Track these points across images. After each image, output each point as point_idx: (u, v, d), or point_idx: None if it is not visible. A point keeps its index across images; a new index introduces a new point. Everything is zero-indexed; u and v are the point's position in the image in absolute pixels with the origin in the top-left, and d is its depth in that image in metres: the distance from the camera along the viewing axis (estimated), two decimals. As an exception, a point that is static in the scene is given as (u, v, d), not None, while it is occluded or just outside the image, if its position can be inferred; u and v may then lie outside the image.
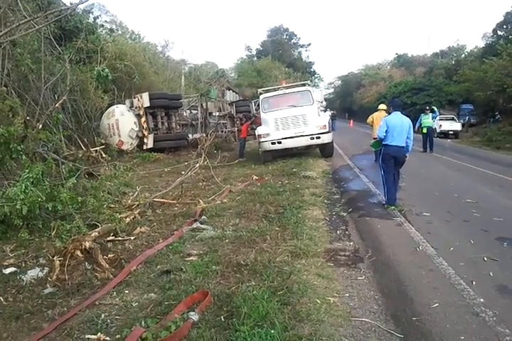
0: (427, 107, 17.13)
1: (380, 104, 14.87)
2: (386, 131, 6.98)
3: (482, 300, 3.60)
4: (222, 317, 3.34)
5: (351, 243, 5.44)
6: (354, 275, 4.37)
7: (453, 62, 44.66)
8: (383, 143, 7.12)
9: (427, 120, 15.95)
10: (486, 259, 4.57)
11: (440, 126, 25.23)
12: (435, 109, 17.85)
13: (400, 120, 7.02)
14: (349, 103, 66.04)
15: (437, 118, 18.89)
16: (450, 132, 25.73)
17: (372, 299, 3.82)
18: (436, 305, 3.54)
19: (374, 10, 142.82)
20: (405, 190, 8.58)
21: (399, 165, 7.24)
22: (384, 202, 7.33)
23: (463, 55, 47.02)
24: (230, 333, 3.07)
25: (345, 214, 6.96)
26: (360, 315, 3.50)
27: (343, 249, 5.20)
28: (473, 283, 3.95)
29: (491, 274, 4.17)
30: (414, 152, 15.43)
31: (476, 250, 4.88)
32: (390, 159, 7.08)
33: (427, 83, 38.60)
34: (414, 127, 7.67)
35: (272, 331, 3.02)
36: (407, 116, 7.33)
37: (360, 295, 3.89)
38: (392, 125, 6.96)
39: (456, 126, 26.26)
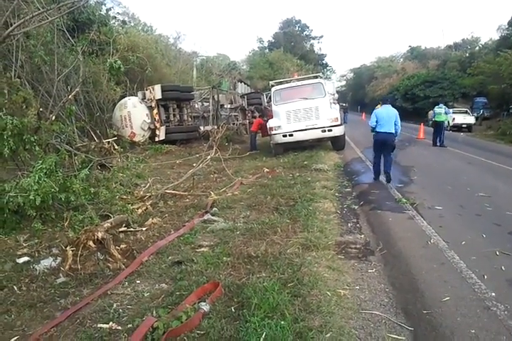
0: (445, 102, 17.09)
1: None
2: (376, 120, 8.51)
3: (494, 294, 3.58)
4: (232, 307, 3.37)
5: (362, 236, 5.43)
6: (365, 268, 4.37)
7: (467, 54, 44.14)
8: (375, 130, 8.65)
9: (440, 114, 15.61)
10: (498, 253, 4.54)
11: (453, 119, 24.98)
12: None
13: (386, 111, 8.58)
14: (361, 95, 65.49)
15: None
16: (463, 125, 25.48)
17: (382, 292, 3.82)
18: (447, 298, 3.53)
19: (388, 1, 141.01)
20: (417, 183, 8.53)
21: (389, 149, 8.58)
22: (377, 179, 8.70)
23: (477, 48, 46.29)
24: (240, 324, 3.09)
25: (356, 207, 6.95)
26: (371, 307, 3.51)
27: (353, 241, 5.20)
28: (485, 277, 3.93)
29: (503, 268, 4.14)
30: (426, 146, 15.40)
31: (488, 244, 4.84)
32: (379, 143, 8.68)
33: (441, 76, 38.21)
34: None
35: (282, 322, 3.03)
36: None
37: (371, 287, 3.90)
38: (380, 115, 8.54)
39: (470, 119, 25.97)
